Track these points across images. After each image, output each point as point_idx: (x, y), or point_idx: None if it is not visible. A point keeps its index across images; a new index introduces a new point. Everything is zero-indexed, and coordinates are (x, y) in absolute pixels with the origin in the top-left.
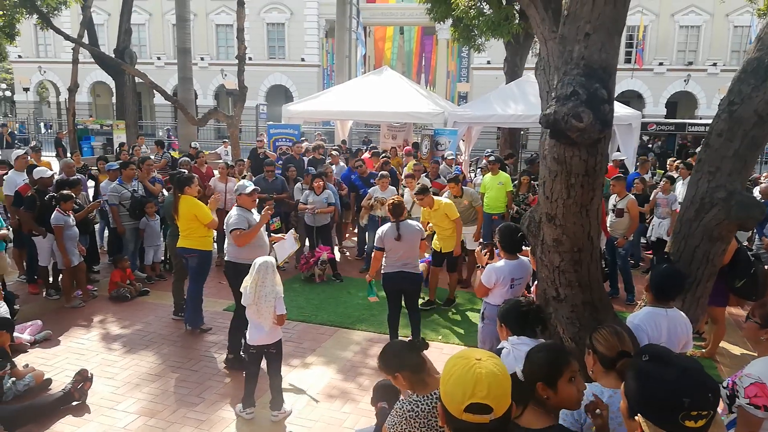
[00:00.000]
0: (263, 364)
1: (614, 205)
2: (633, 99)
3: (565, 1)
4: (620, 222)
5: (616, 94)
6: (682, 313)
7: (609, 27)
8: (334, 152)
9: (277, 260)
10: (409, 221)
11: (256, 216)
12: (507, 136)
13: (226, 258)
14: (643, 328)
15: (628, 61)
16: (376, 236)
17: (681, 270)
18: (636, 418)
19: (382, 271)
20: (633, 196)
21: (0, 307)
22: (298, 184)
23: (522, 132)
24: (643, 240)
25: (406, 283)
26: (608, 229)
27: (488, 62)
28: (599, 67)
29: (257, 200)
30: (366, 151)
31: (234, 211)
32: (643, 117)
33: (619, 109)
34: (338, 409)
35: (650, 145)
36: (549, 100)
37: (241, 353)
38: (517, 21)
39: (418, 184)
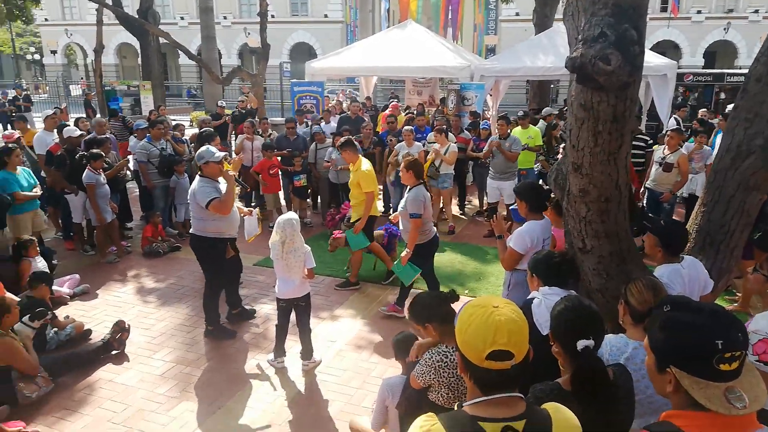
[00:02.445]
0: (292, 317)
1: (662, 158)
2: (669, 49)
3: None
4: (667, 176)
5: (650, 45)
6: (691, 258)
7: None
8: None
9: (246, 235)
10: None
11: (222, 186)
12: (536, 89)
13: (191, 231)
14: (672, 286)
15: (664, 9)
16: (415, 202)
17: (681, 222)
18: (668, 370)
19: (425, 240)
20: (684, 152)
21: (38, 262)
22: (313, 145)
23: (552, 85)
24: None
25: (437, 242)
26: (652, 182)
27: (517, 14)
28: (629, 7)
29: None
30: (389, 107)
31: (198, 183)
32: (680, 68)
33: (654, 59)
34: (366, 359)
35: (680, 98)
36: (576, 43)
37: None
38: None
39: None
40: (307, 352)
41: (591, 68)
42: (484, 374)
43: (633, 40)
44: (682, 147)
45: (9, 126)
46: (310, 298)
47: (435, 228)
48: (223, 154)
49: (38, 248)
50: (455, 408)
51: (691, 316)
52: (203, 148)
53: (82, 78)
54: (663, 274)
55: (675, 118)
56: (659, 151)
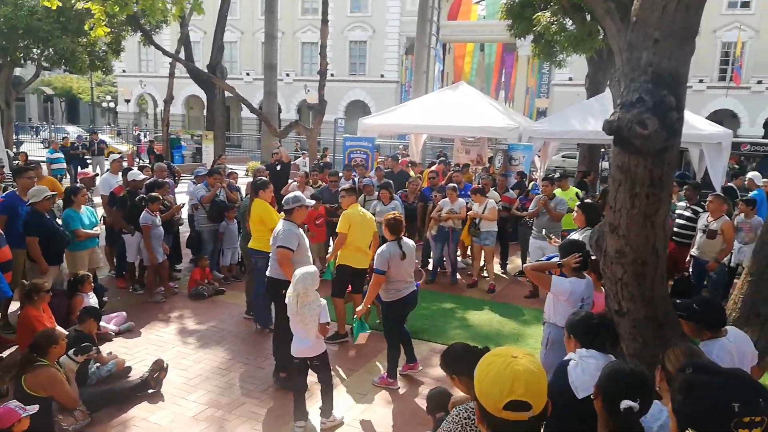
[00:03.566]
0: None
1: (706, 226)
2: (726, 118)
3: (634, 7)
4: (711, 244)
5: (707, 114)
6: (735, 330)
7: (679, 33)
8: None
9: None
10: (405, 238)
11: (302, 232)
12: (586, 152)
13: (267, 273)
14: (720, 363)
15: (722, 78)
16: (380, 257)
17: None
18: None
19: (395, 298)
20: (728, 218)
21: (90, 298)
22: (361, 197)
23: (603, 149)
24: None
25: (414, 302)
26: (697, 250)
27: (570, 79)
28: (668, 75)
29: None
30: (437, 164)
31: (282, 225)
32: (738, 137)
33: (708, 127)
34: (393, 417)
35: (735, 167)
36: (615, 107)
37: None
38: (601, 36)
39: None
40: (326, 410)
41: (627, 132)
42: (501, 425)
43: (671, 106)
44: (735, 216)
45: (79, 168)
46: (327, 356)
47: (413, 287)
48: (313, 202)
49: (92, 284)
50: None
51: (709, 377)
52: (296, 193)
53: (136, 125)
54: (711, 352)
55: (730, 186)
56: (703, 218)
